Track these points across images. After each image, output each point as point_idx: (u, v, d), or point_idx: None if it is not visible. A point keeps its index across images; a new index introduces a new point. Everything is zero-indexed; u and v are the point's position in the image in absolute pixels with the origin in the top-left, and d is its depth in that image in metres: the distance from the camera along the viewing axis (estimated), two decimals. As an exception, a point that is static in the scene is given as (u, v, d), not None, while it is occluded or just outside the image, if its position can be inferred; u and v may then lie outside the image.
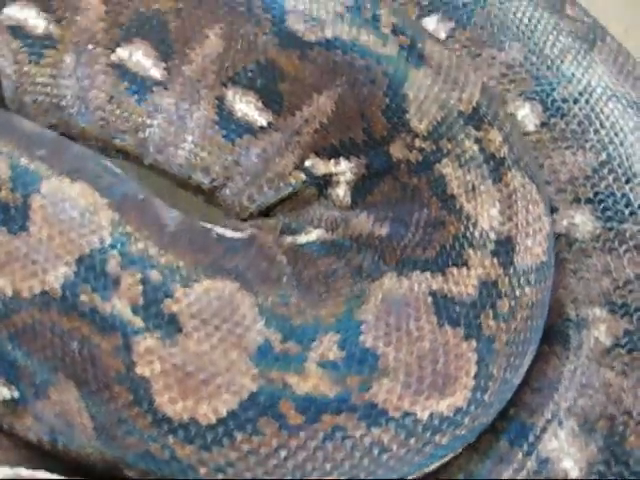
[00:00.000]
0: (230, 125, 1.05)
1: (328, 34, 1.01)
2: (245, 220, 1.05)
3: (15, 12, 1.05)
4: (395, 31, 1.02)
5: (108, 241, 0.80)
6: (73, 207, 0.82)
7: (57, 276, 0.78)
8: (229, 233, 0.93)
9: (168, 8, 1.04)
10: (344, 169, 0.97)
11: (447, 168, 0.92)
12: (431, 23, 1.15)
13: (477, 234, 0.88)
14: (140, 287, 0.79)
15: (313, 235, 0.93)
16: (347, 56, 1.00)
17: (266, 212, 1.05)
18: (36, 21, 1.05)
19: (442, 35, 1.14)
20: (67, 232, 0.80)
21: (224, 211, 1.09)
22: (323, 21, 1.02)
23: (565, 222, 1.03)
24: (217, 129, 1.06)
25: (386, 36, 1.02)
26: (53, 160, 0.84)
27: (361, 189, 0.96)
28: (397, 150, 0.94)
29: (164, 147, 1.09)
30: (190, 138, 1.07)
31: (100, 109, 1.09)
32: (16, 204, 0.80)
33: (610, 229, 1.01)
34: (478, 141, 0.95)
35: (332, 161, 0.98)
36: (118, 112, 1.09)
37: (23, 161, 0.82)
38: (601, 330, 0.96)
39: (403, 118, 0.96)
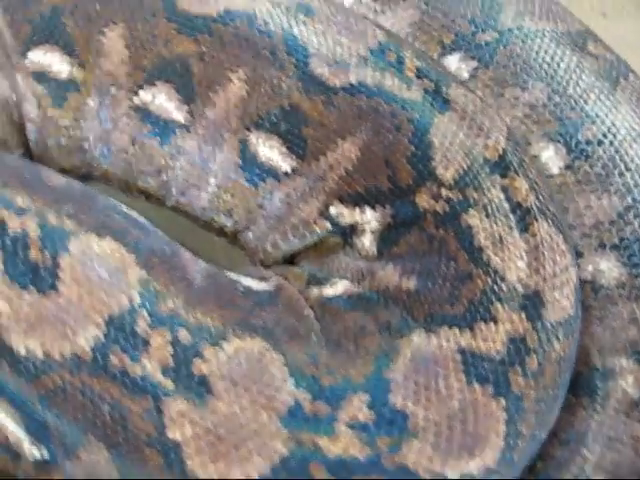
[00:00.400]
0: (253, 169, 1.05)
1: (352, 79, 1.00)
2: (269, 266, 1.04)
3: (39, 57, 1.05)
4: (419, 75, 1.02)
5: (137, 300, 0.80)
6: (101, 265, 0.82)
7: (87, 338, 0.78)
8: (255, 284, 0.92)
9: (191, 52, 1.03)
10: (369, 218, 0.97)
11: (474, 219, 0.92)
12: (453, 62, 1.14)
13: (505, 288, 0.88)
14: (170, 347, 0.79)
15: (339, 287, 0.93)
16: (372, 101, 0.99)
17: (290, 258, 1.04)
18: (60, 66, 1.05)
19: (464, 74, 1.14)
20: (96, 292, 0.80)
21: (247, 254, 1.09)
22: (347, 65, 1.01)
23: (590, 268, 1.03)
24: (240, 173, 1.05)
25: (410, 80, 1.01)
26: (80, 215, 0.84)
27: (387, 239, 0.95)
28: (423, 200, 0.94)
29: (187, 189, 1.09)
30: (213, 181, 1.07)
31: (123, 151, 1.09)
32: (45, 264, 0.80)
33: (636, 276, 1.01)
34: (504, 190, 0.94)
35: (357, 210, 0.98)
36: (141, 154, 1.09)
37: (51, 219, 0.82)
38: (628, 381, 0.96)
39: (429, 166, 0.95)
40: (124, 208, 0.93)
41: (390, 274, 0.92)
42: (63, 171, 1.12)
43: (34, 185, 0.85)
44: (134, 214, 0.93)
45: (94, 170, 1.12)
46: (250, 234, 1.07)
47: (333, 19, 1.06)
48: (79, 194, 0.89)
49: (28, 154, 1.10)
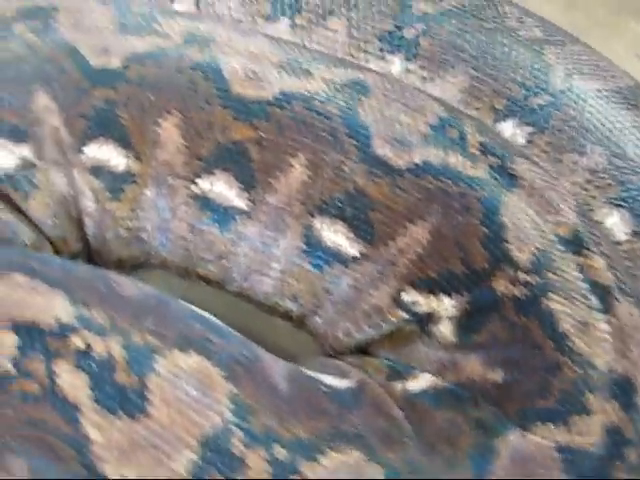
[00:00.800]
0: (319, 254, 1.03)
1: (416, 158, 0.99)
2: (342, 354, 1.03)
3: (95, 152, 1.03)
4: (483, 151, 1.00)
5: (229, 418, 0.79)
6: (189, 383, 0.80)
7: (183, 462, 0.76)
8: (337, 382, 0.91)
9: (248, 138, 1.02)
10: (446, 306, 0.95)
11: (554, 303, 0.90)
12: (508, 128, 1.13)
13: (595, 376, 0.86)
14: (267, 466, 0.77)
15: (423, 381, 0.92)
16: (439, 182, 0.98)
17: (364, 345, 1.02)
18: (116, 158, 1.04)
19: (521, 141, 1.12)
20: (187, 412, 0.78)
21: (315, 339, 1.07)
22: (410, 144, 1.00)
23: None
24: (305, 258, 1.04)
25: (475, 157, 1.00)
26: (161, 330, 0.83)
27: (466, 327, 0.94)
28: (501, 285, 0.93)
29: (249, 275, 1.07)
30: (277, 266, 1.05)
31: (182, 239, 1.07)
32: (133, 386, 0.78)
33: None
34: (581, 269, 0.93)
35: (433, 297, 0.96)
36: (200, 241, 1.07)
37: (135, 338, 0.81)
38: None
39: (503, 248, 0.94)
40: (198, 311, 0.91)
41: (474, 365, 0.90)
42: (121, 261, 1.11)
43: (111, 300, 0.84)
44: (208, 316, 0.91)
45: (152, 258, 1.10)
46: (318, 319, 1.06)
47: (390, 95, 1.04)
48: (154, 303, 0.87)
49: (86, 248, 1.09)
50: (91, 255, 1.10)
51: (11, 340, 0.78)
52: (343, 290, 1.03)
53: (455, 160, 0.99)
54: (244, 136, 1.02)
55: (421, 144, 1.00)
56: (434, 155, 0.99)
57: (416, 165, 0.99)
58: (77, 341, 0.79)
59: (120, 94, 1.03)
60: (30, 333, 0.78)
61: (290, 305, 1.07)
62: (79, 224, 1.07)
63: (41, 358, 0.78)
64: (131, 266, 1.11)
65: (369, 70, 1.09)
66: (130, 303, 0.84)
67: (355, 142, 1.00)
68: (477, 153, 1.00)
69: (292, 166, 1.01)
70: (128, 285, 0.88)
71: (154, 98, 1.03)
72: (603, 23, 1.51)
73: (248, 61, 1.04)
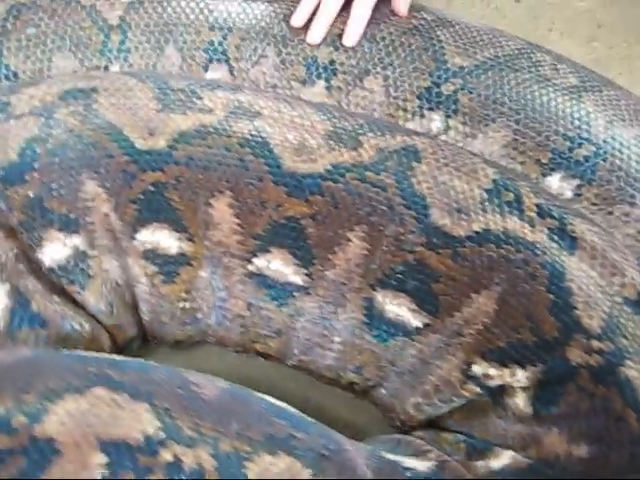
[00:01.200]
0: (381, 326, 1.02)
1: (475, 226, 0.98)
2: (412, 427, 1.02)
3: (147, 237, 1.01)
4: (541, 213, 0.99)
5: (325, 520, 0.78)
6: (283, 487, 0.79)
7: None
8: (417, 464, 0.90)
9: (303, 214, 1.00)
10: (519, 377, 0.94)
11: (631, 370, 0.90)
12: (554, 182, 1.13)
13: (682, 445, 0.86)
14: None
15: (505, 458, 0.91)
16: (501, 250, 0.97)
17: (433, 418, 1.01)
18: (169, 242, 1.02)
19: (568, 194, 1.12)
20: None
21: (380, 410, 1.06)
22: (468, 211, 0.99)
23: None
24: (367, 330, 1.03)
25: (533, 220, 0.99)
26: (246, 432, 0.81)
27: (543, 399, 0.93)
28: (575, 354, 0.92)
29: (309, 348, 1.06)
30: (338, 339, 1.04)
31: (239, 317, 1.06)
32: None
33: None
34: (652, 331, 0.93)
35: (504, 369, 0.95)
36: (258, 318, 1.06)
37: (223, 445, 0.79)
38: None
39: (572, 316, 0.93)
40: (275, 403, 0.90)
41: (556, 439, 0.89)
42: (177, 342, 1.09)
43: (193, 405, 0.82)
44: (285, 407, 0.90)
45: (209, 337, 1.09)
46: (383, 390, 1.05)
47: (440, 159, 1.03)
48: (234, 402, 0.86)
49: (141, 331, 1.07)
50: (146, 337, 1.08)
51: (100, 459, 0.76)
52: (408, 361, 1.02)
53: (514, 225, 0.98)
54: (299, 212, 1.00)
55: (478, 211, 0.99)
56: (492, 222, 0.98)
57: (476, 233, 0.98)
58: (166, 454, 0.77)
59: (169, 176, 1.01)
60: (119, 450, 0.76)
61: (353, 377, 1.06)
62: (134, 309, 1.05)
63: (132, 475, 0.76)
64: (188, 347, 1.09)
65: (416, 134, 1.07)
66: (212, 406, 0.83)
67: (412, 212, 0.99)
68: (534, 216, 0.99)
69: (350, 240, 1.00)
70: (205, 384, 0.86)
71: (204, 178, 1.01)
72: (624, 55, 1.52)
73: (296, 133, 1.03)
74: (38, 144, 0.99)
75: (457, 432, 0.98)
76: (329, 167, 1.01)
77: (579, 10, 1.58)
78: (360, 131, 1.05)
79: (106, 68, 1.18)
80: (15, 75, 1.15)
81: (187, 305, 1.05)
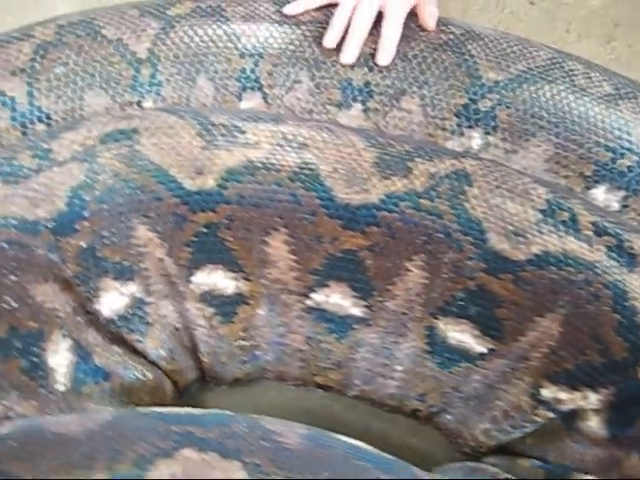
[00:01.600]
0: (444, 354, 1.02)
1: (534, 249, 0.98)
2: (483, 453, 1.02)
3: (203, 279, 1.00)
4: (597, 231, 0.99)
5: None
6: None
7: None
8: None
9: (360, 246, 0.99)
10: (591, 400, 0.95)
11: None
12: (600, 194, 1.13)
13: None
14: None
15: (587, 484, 0.91)
16: (562, 272, 0.97)
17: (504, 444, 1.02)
18: (225, 282, 1.01)
19: (615, 206, 1.12)
20: None
21: (446, 435, 1.06)
22: (524, 233, 0.98)
23: None
24: (429, 358, 1.02)
25: (590, 239, 0.99)
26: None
27: (617, 421, 0.93)
28: (646, 375, 0.92)
29: (371, 379, 1.06)
30: (400, 368, 1.04)
31: (298, 351, 1.05)
32: None
33: None
34: None
35: (575, 392, 0.95)
36: (318, 352, 1.05)
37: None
38: None
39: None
40: (354, 444, 0.89)
41: (637, 463, 0.90)
42: (236, 380, 1.08)
43: (280, 457, 0.80)
44: (367, 448, 0.89)
45: (268, 373, 1.08)
46: (448, 416, 1.05)
47: (493, 183, 1.03)
48: (318, 449, 0.84)
49: (201, 374, 1.06)
50: (205, 378, 1.07)
51: (204, 523, 0.75)
52: (473, 387, 1.02)
53: (572, 246, 0.98)
54: (355, 244, 0.99)
55: (535, 232, 0.99)
56: (551, 244, 0.98)
57: (536, 256, 0.98)
58: (266, 511, 0.76)
59: (221, 216, 0.99)
60: (220, 513, 0.75)
61: (416, 404, 1.06)
62: (194, 352, 1.03)
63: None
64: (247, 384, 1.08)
65: (463, 155, 1.07)
66: (299, 456, 0.82)
67: (470, 238, 0.98)
68: (591, 234, 0.99)
69: (409, 270, 0.99)
70: (285, 432, 0.85)
71: (257, 216, 1.00)
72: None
73: (344, 163, 1.02)
74: (85, 191, 0.97)
75: (532, 457, 0.98)
76: (383, 197, 1.00)
77: (593, 9, 1.58)
78: (407, 157, 1.04)
79: (139, 103, 1.15)
80: (48, 117, 1.12)
81: (246, 343, 1.04)
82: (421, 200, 1.00)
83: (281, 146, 1.03)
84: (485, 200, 1.01)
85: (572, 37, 1.53)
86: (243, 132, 1.04)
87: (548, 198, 1.02)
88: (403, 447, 1.07)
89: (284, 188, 1.00)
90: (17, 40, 1.17)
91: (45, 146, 1.00)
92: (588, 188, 1.14)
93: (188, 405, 0.90)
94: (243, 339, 1.04)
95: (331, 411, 1.08)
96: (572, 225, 1.00)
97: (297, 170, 1.01)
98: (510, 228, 0.99)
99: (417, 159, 1.03)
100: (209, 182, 1.00)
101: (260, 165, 1.01)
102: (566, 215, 1.00)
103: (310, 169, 1.01)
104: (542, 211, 1.00)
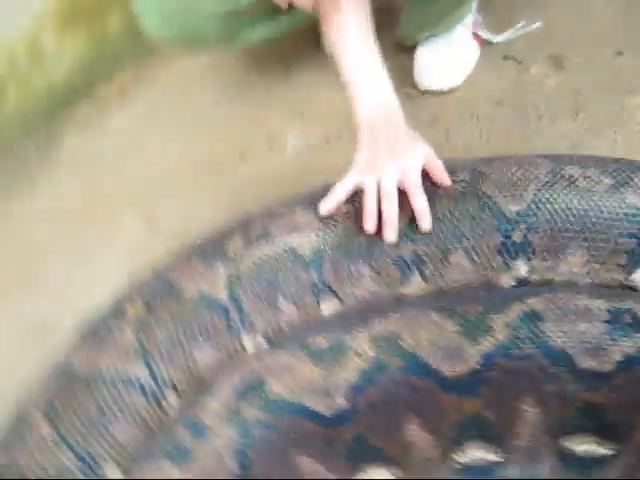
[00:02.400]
0: (576, 465, 1.20)
1: (617, 357, 1.15)
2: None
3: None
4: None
5: None
6: None
7: None
8: None
9: (479, 407, 1.18)
10: None
11: None
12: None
13: None
14: None
15: None
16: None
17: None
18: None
19: (656, 279, 1.31)
20: None
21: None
22: (602, 347, 1.16)
23: None
24: (565, 470, 1.20)
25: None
26: None
27: None
28: None
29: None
30: None
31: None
32: None
33: None
34: None
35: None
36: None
37: None
38: None
39: None
40: None
41: None
42: None
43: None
44: None
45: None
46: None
47: (558, 312, 1.21)
48: None
49: None
50: None
51: None
52: (609, 484, 1.20)
53: (642, 344, 1.17)
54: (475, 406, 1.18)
55: (610, 342, 1.17)
56: (627, 347, 1.17)
57: (621, 362, 1.16)
58: None
59: None
60: None
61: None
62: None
63: None
64: None
65: (524, 294, 1.25)
66: None
67: (562, 368, 1.17)
68: (655, 326, 1.18)
69: (525, 411, 1.18)
70: None
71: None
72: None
73: (441, 340, 1.20)
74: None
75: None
76: (480, 359, 1.18)
77: (555, 87, 1.78)
78: (481, 316, 1.22)
79: (240, 343, 1.34)
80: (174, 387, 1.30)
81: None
82: (511, 351, 1.18)
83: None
84: (560, 331, 1.19)
85: (545, 121, 1.74)
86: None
87: (607, 308, 1.21)
88: None
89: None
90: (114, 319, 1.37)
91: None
92: (629, 274, 1.32)
93: None
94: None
95: None
96: (635, 324, 1.19)
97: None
98: (589, 346, 1.18)
99: (492, 315, 1.22)
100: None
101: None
102: (627, 318, 1.19)
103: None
104: (607, 322, 1.19)
